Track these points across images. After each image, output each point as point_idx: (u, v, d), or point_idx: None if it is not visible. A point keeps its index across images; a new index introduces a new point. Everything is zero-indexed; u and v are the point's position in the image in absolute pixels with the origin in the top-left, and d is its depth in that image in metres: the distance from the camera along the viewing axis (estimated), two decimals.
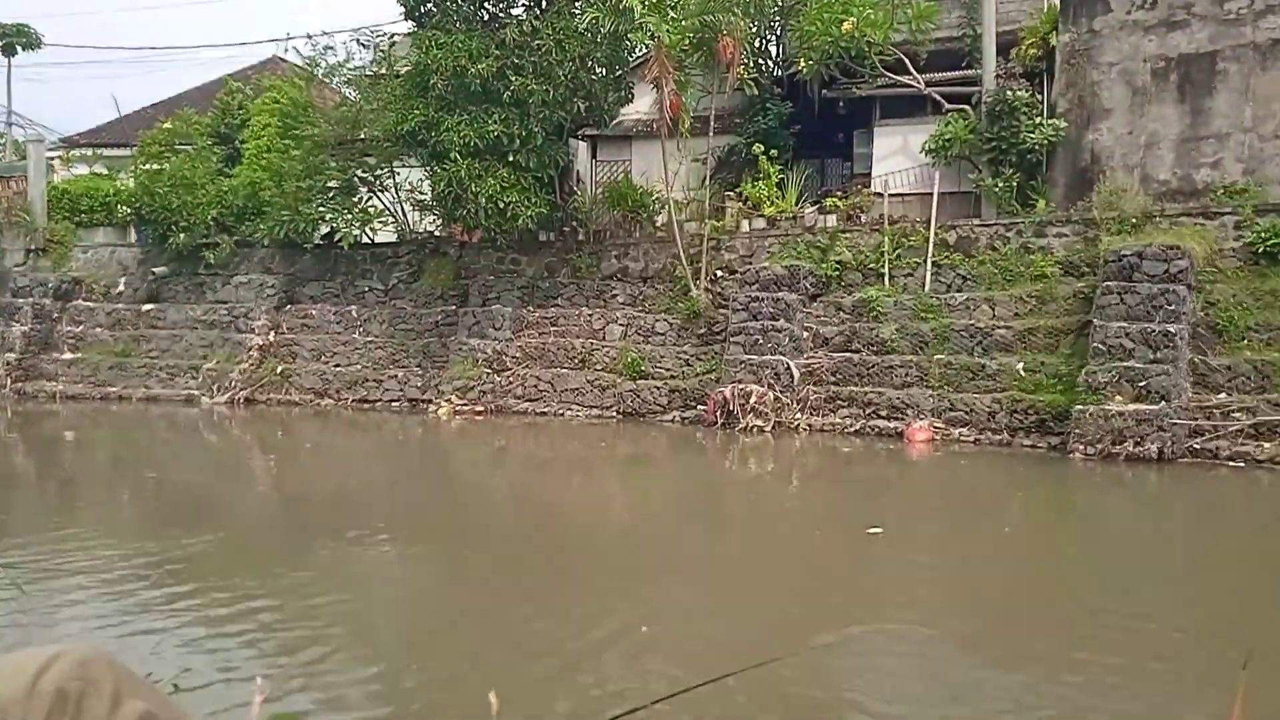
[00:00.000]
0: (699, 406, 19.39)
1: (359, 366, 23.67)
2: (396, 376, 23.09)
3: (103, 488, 14.28)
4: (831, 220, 20.57)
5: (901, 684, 6.10)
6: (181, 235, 25.01)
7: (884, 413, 18.00)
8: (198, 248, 25.29)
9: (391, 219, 25.38)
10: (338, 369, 23.79)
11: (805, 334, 19.38)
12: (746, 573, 9.20)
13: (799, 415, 18.41)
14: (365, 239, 24.80)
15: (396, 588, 8.63)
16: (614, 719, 3.08)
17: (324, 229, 24.81)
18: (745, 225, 21.52)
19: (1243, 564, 9.77)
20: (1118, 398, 15.44)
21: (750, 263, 20.74)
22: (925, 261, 19.18)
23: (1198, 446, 15.14)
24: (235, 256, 25.64)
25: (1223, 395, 15.56)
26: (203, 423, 21.38)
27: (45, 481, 15.21)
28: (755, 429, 18.02)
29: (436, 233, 25.00)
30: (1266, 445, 14.87)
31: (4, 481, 14.56)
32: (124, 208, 27.05)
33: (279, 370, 24.10)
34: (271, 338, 24.79)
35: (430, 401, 22.10)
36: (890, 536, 10.48)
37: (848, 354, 18.90)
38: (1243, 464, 14.71)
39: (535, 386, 21.49)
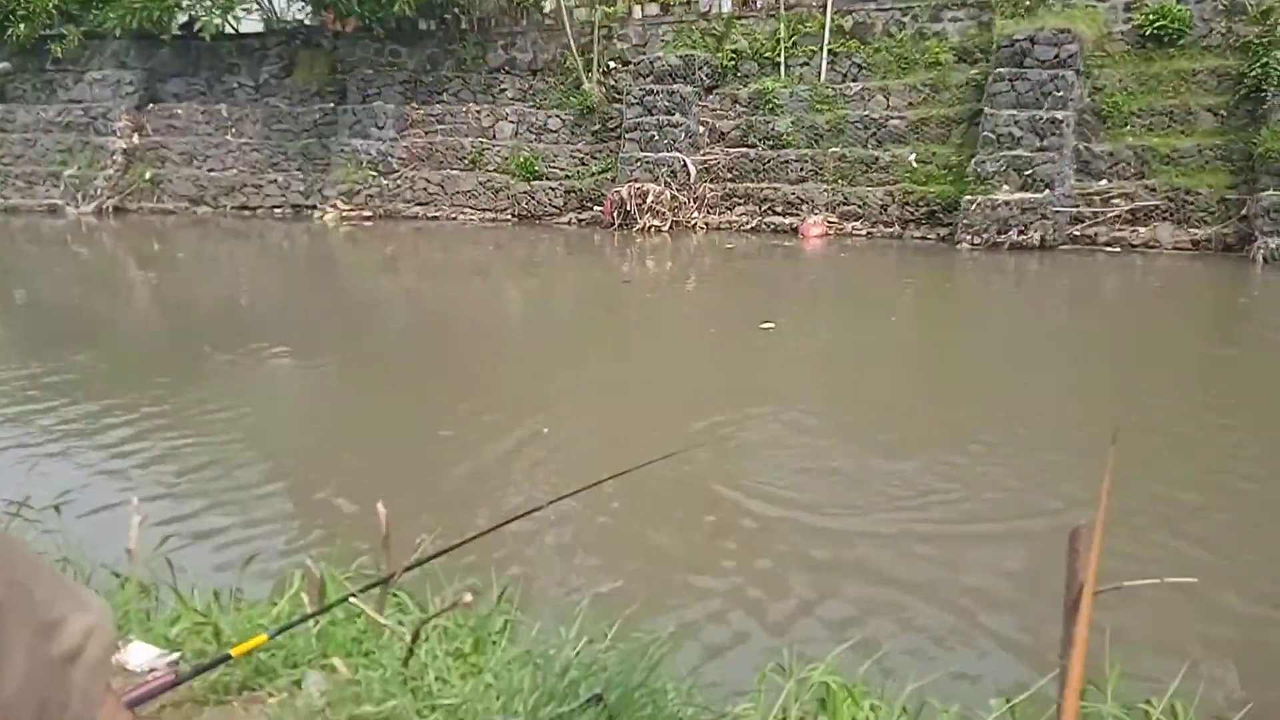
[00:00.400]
0: (595, 208, 19.09)
1: (235, 171, 22.43)
2: (277, 181, 22.00)
3: None
4: (727, 5, 19.77)
5: (793, 473, 6.34)
6: (21, 25, 22.64)
7: (779, 209, 18.02)
8: (41, 40, 23.00)
9: (257, 5, 23.40)
10: (212, 174, 22.51)
11: (701, 129, 18.99)
12: (643, 371, 9.31)
13: (696, 214, 18.31)
14: (228, 28, 22.90)
15: (293, 401, 8.48)
16: (511, 519, 3.08)
17: (182, 17, 22.75)
18: (638, 11, 20.54)
19: (1114, 344, 10.34)
20: (1005, 187, 15.73)
21: (644, 52, 19.96)
22: (822, 49, 18.74)
23: (1078, 233, 15.67)
24: (85, 50, 23.46)
25: (1104, 182, 15.98)
26: (70, 235, 20.15)
27: None
28: (653, 229, 17.90)
29: (307, 21, 23.21)
30: (1142, 230, 15.48)
31: None
32: None
33: (148, 176, 22.69)
34: (136, 140, 23.17)
35: (315, 207, 21.23)
36: (783, 330, 10.70)
37: (744, 149, 18.65)
38: (1119, 249, 15.34)
39: (425, 189, 20.78)
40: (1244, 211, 14.76)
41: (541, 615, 2.63)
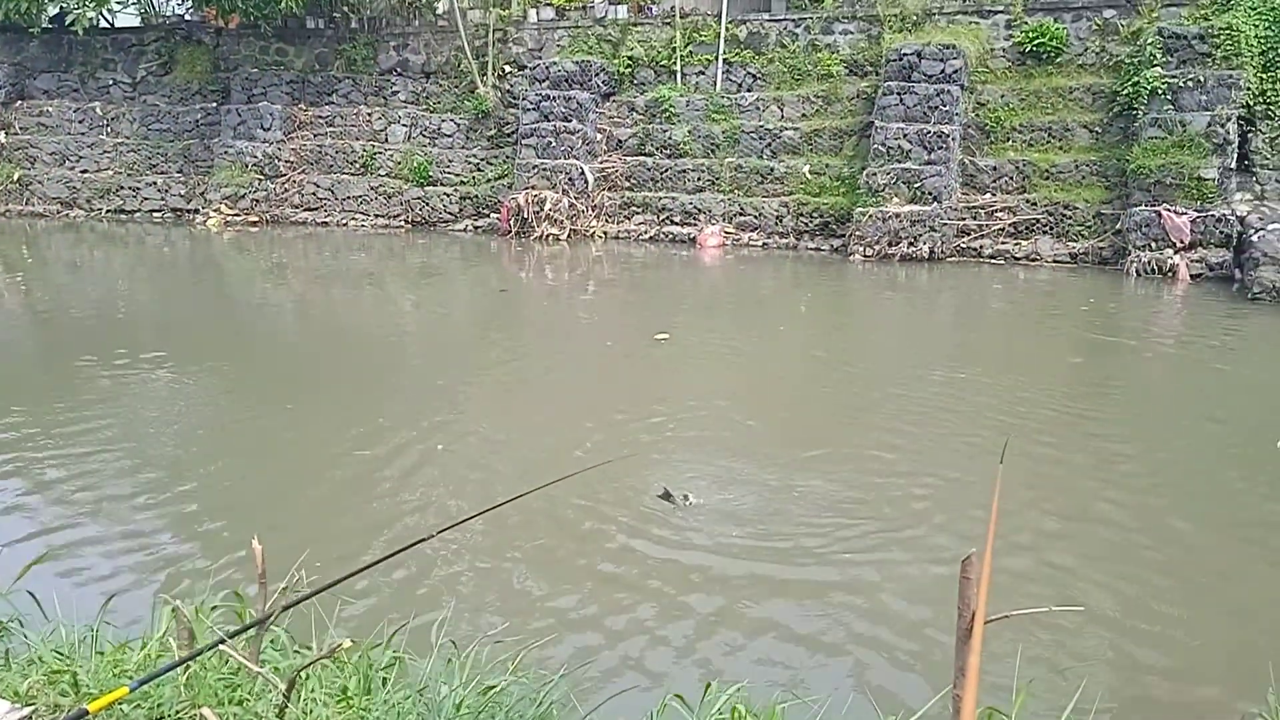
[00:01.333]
0: (492, 215, 18.85)
1: (110, 172, 21.43)
2: (155, 184, 21.10)
3: None
4: (623, 11, 19.78)
5: (705, 481, 6.31)
6: None
7: (678, 218, 18.10)
8: None
9: None
10: (85, 175, 21.46)
11: (599, 136, 18.94)
12: (538, 385, 9.20)
13: (594, 222, 18.24)
14: (103, 22, 21.86)
15: (170, 415, 8.07)
16: (395, 552, 2.94)
17: (52, 9, 21.59)
18: (533, 15, 20.39)
19: (994, 352, 10.66)
20: (894, 200, 16.11)
21: (539, 57, 19.81)
22: (717, 59, 18.91)
23: (964, 245, 16.16)
24: None
25: (988, 195, 16.53)
26: None
27: None
28: (550, 237, 17.76)
29: (187, 16, 22.33)
30: (1023, 243, 16.06)
31: None
32: None
33: (15, 177, 21.50)
34: (2, 139, 21.91)
35: (197, 211, 20.43)
36: (678, 341, 10.73)
37: (641, 157, 18.68)
38: (1003, 261, 15.87)
39: (314, 194, 20.20)
40: (1118, 226, 15.44)
41: (432, 651, 2.50)
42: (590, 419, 7.89)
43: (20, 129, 22.11)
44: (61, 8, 21.39)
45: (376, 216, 19.81)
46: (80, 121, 21.94)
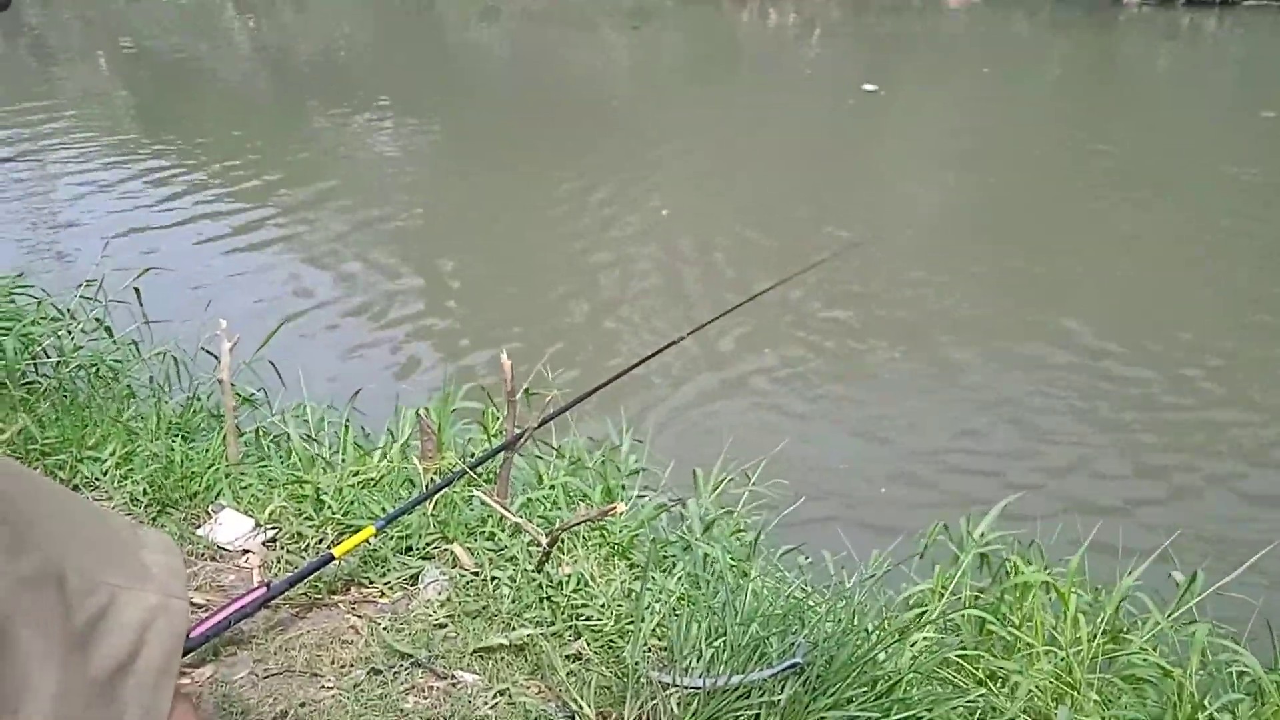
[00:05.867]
0: None
1: None
2: None
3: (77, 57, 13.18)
4: None
5: (916, 279, 5.72)
6: None
7: None
8: None
9: None
10: None
11: None
12: (752, 147, 8.52)
13: None
14: None
15: (396, 169, 8.05)
16: (651, 355, 2.65)
17: None
18: None
19: None
20: None
21: None
22: None
23: None
24: None
25: None
26: None
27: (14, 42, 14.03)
28: None
29: None
30: None
31: None
32: None
33: None
34: None
35: None
36: (892, 95, 9.77)
37: None
38: None
39: None
40: None
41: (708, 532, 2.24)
42: (804, 198, 7.28)
43: None
44: None
45: None
46: None
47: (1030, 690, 1.84)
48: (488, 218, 6.76)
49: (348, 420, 2.79)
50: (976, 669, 1.96)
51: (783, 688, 1.33)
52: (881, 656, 1.43)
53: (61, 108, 9.63)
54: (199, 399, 3.22)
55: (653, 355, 2.54)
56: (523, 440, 2.01)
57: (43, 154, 8.06)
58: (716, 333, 4.78)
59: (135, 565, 0.94)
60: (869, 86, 9.94)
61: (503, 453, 2.01)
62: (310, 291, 5.50)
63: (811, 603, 1.59)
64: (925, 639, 1.86)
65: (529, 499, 2.24)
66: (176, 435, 2.66)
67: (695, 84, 11.07)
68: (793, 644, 1.40)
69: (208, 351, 3.40)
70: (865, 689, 1.36)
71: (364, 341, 4.96)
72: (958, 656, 1.90)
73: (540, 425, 2.04)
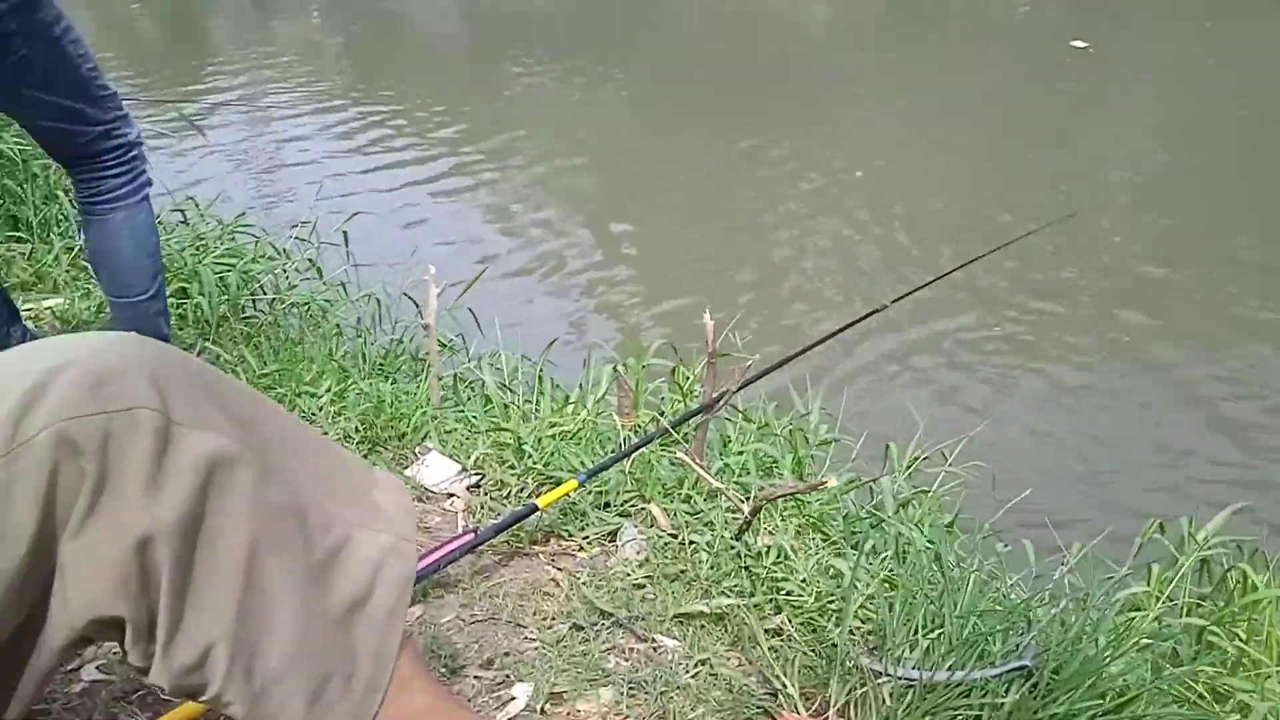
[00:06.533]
0: None
1: None
2: None
3: None
4: None
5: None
6: None
7: None
8: None
9: None
10: None
11: None
12: (952, 96, 8.10)
13: None
14: None
15: (588, 129, 8.12)
16: (853, 322, 2.54)
17: None
18: None
19: None
20: None
21: None
22: None
23: None
24: None
25: None
26: None
27: None
28: None
29: None
30: None
31: (200, 2, 14.33)
32: None
33: None
34: None
35: None
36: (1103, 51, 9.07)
37: None
38: None
39: None
40: None
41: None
42: (1004, 162, 6.88)
43: None
44: None
45: None
46: None
47: (1266, 716, 1.68)
48: (669, 175, 6.74)
49: (541, 370, 2.83)
50: (1194, 683, 1.81)
51: (1007, 690, 1.24)
52: (1115, 668, 1.32)
53: (276, 55, 10.19)
54: (401, 342, 3.34)
55: (855, 322, 2.43)
56: (722, 402, 1.97)
57: (258, 99, 8.55)
58: (908, 304, 4.59)
59: (368, 504, 0.95)
60: (1078, 43, 9.30)
61: (703, 414, 1.97)
62: (493, 240, 5.64)
63: (1034, 601, 1.48)
64: (1146, 644, 1.72)
65: (725, 464, 2.21)
66: (381, 375, 2.76)
67: (888, 41, 10.65)
68: (1018, 644, 1.31)
69: (408, 296, 3.51)
70: (1097, 701, 1.25)
71: (546, 291, 5.04)
72: (1174, 667, 1.76)
73: (740, 388, 1.99)
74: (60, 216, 3.61)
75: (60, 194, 3.64)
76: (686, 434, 2.10)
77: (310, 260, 3.78)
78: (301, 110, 8.15)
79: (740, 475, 2.18)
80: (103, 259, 2.20)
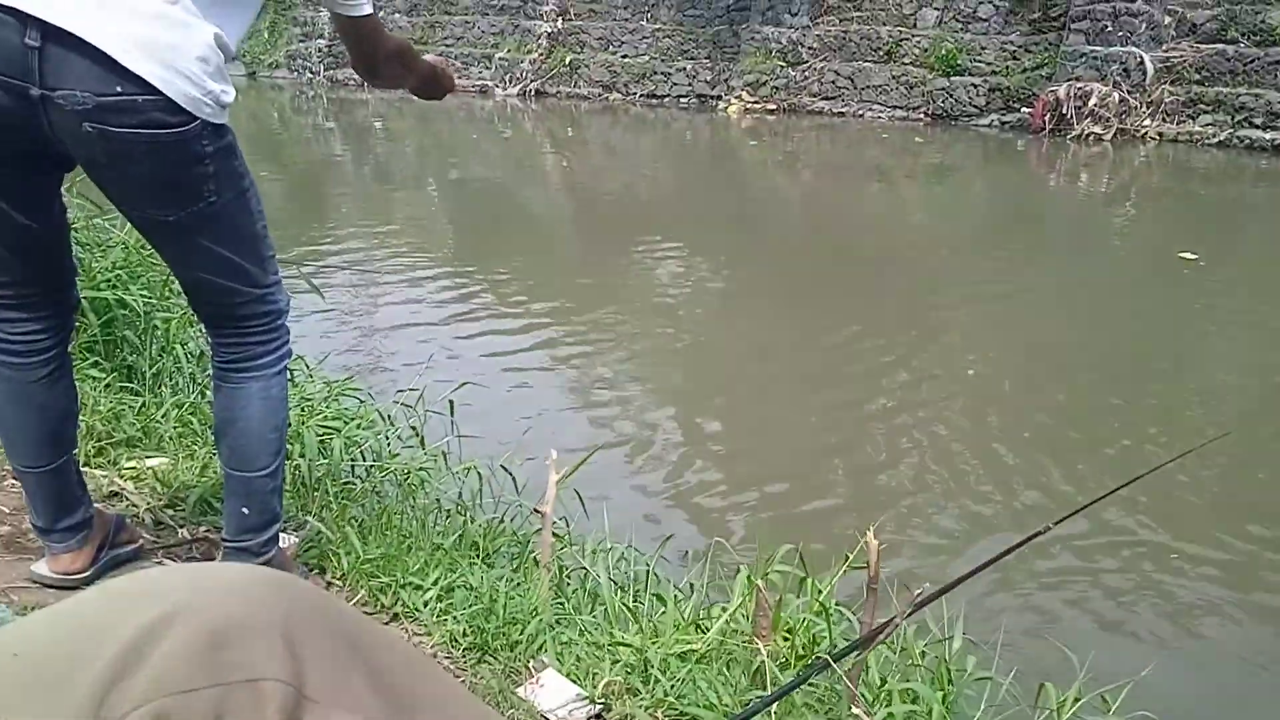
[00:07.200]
0: (1023, 109, 17.00)
1: (646, 58, 22.61)
2: (685, 69, 21.89)
3: (411, 185, 14.62)
4: None
5: None
6: None
7: (1259, 120, 14.94)
8: None
9: None
10: (625, 60, 22.87)
11: (1168, 19, 16.10)
12: (1051, 316, 7.89)
13: (1147, 122, 15.69)
14: None
15: (691, 314, 8.12)
16: (1022, 543, 2.25)
17: None
18: None
19: None
20: None
21: None
22: None
23: None
24: None
25: None
26: (497, 116, 21.42)
27: (361, 167, 15.81)
28: (1091, 137, 15.59)
29: None
30: None
31: (329, 173, 15.23)
32: None
33: (567, 60, 23.51)
34: (559, 24, 24.03)
35: (720, 98, 20.89)
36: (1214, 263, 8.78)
37: (1220, 45, 15.59)
38: None
39: (833, 82, 19.65)
40: None
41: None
42: (1117, 377, 6.56)
43: (575, 15, 24.07)
44: None
45: (895, 108, 18.83)
46: (625, 7, 23.28)
47: None
48: (762, 361, 6.59)
49: (652, 567, 2.59)
50: None
51: None
52: None
53: (393, 226, 10.58)
54: (501, 521, 3.15)
55: (1019, 545, 2.15)
56: (888, 632, 1.70)
57: (373, 266, 8.80)
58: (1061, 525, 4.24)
59: None
60: (1187, 255, 9.09)
61: (859, 648, 1.70)
62: (593, 415, 5.49)
63: None
64: None
65: (867, 697, 1.91)
66: (481, 559, 2.55)
67: (989, 246, 10.58)
68: None
69: (505, 470, 3.36)
70: None
71: (632, 472, 4.82)
72: None
73: (909, 615, 1.72)
74: (174, 369, 3.57)
75: (178, 347, 3.62)
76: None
77: (414, 428, 3.66)
78: (414, 277, 8.34)
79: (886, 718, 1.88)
80: (228, 428, 2.02)
